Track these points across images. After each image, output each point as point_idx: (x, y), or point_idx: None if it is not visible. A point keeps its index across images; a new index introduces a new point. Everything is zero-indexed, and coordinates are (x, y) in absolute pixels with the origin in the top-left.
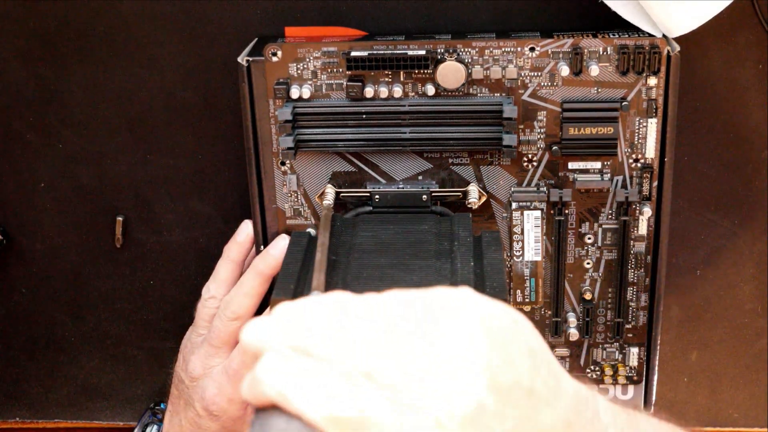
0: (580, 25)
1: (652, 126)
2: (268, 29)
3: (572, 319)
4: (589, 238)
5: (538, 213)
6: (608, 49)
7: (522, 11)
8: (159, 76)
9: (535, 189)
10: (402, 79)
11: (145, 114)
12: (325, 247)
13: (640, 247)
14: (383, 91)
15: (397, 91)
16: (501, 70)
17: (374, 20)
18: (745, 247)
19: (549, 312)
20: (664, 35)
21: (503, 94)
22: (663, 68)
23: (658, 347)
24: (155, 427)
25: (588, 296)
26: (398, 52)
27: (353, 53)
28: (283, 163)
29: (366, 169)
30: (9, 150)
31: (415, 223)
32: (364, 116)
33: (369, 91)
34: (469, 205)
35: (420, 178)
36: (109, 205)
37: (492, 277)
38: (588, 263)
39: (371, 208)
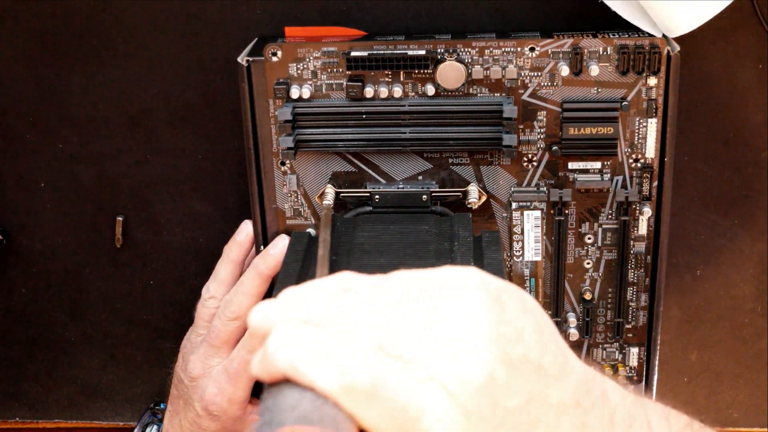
0: (580, 25)
1: (652, 126)
2: (268, 29)
3: (572, 319)
4: (589, 238)
5: (538, 213)
6: (608, 49)
7: (522, 11)
8: (159, 76)
9: (535, 189)
10: (402, 79)
11: (145, 114)
12: (328, 243)
13: (640, 247)
14: (383, 91)
15: (397, 91)
16: (501, 70)
17: (374, 20)
18: (745, 247)
19: (549, 312)
20: (664, 35)
21: (503, 94)
22: (663, 68)
23: (658, 347)
24: (155, 427)
25: (588, 296)
26: (398, 52)
27: (353, 53)
28: (283, 163)
29: (366, 169)
30: (9, 150)
31: (415, 223)
32: (364, 116)
33: (369, 91)
34: (469, 205)
35: (420, 178)
36: (109, 205)
37: None
38: (588, 263)
39: (371, 208)
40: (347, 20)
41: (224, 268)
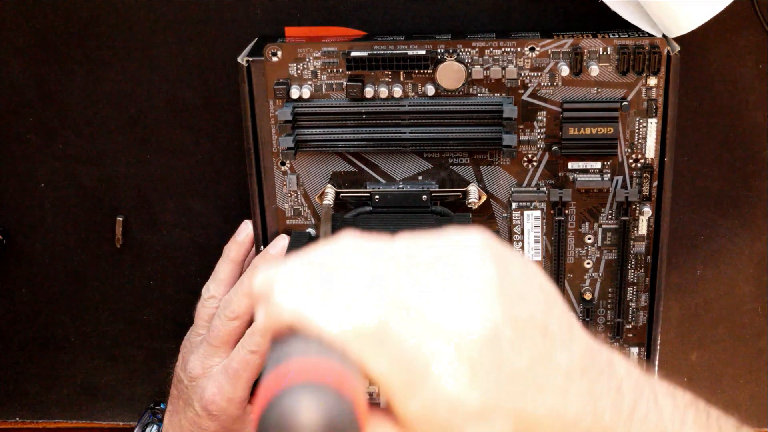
0: (580, 25)
1: (652, 126)
2: (268, 29)
3: None
4: (589, 238)
5: (538, 213)
6: (608, 49)
7: (522, 11)
8: (159, 76)
9: (535, 189)
10: (402, 79)
11: (145, 114)
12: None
13: (640, 247)
14: (383, 91)
15: (397, 91)
16: (501, 70)
17: (374, 20)
18: (745, 247)
19: None
20: (664, 35)
21: (503, 94)
22: (663, 68)
23: (658, 347)
24: (155, 427)
25: (588, 296)
26: (398, 52)
27: (353, 53)
28: (283, 163)
29: (366, 169)
30: (9, 150)
31: (415, 223)
32: (364, 116)
33: (369, 91)
34: (469, 205)
35: (420, 178)
36: (109, 205)
37: None
38: (588, 263)
39: (371, 208)
40: (347, 20)
41: (224, 268)
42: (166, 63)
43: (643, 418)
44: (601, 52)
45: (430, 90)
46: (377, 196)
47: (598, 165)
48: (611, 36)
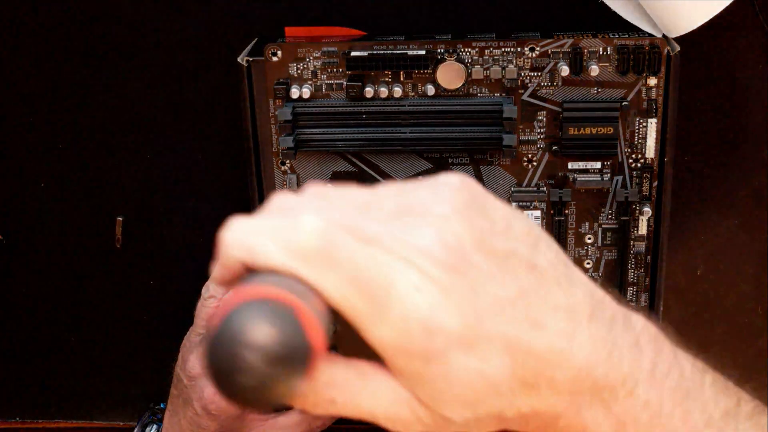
0: (580, 25)
1: (652, 126)
2: (268, 29)
3: None
4: (589, 238)
5: (538, 213)
6: (608, 49)
7: (522, 11)
8: (159, 76)
9: (535, 189)
10: (402, 79)
11: (145, 114)
12: None
13: (640, 247)
14: (383, 91)
15: (397, 91)
16: (501, 70)
17: (374, 20)
18: (745, 247)
19: None
20: (664, 35)
21: (503, 94)
22: (663, 68)
23: None
24: (155, 427)
25: None
26: (398, 52)
27: (353, 53)
28: (283, 163)
29: (366, 169)
30: (9, 150)
31: None
32: (364, 116)
33: (369, 91)
34: None
35: (420, 178)
36: (109, 205)
37: None
38: (588, 263)
39: None
40: (347, 20)
41: None
42: (166, 63)
43: (665, 373)
44: (601, 52)
45: (430, 90)
46: None
47: (598, 165)
48: (611, 36)
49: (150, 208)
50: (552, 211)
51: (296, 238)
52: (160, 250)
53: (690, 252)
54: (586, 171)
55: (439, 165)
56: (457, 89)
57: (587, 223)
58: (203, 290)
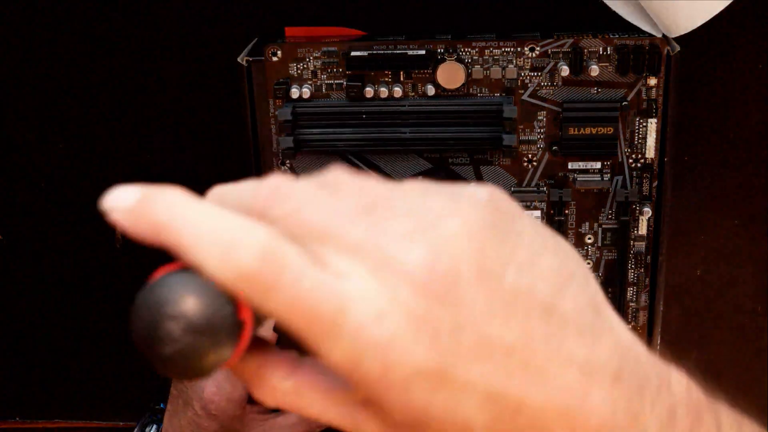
0: (580, 25)
1: (652, 126)
2: (268, 29)
3: None
4: (589, 238)
5: (538, 213)
6: (608, 49)
7: (522, 11)
8: (159, 76)
9: (535, 189)
10: (402, 79)
11: (145, 114)
12: None
13: (640, 247)
14: (383, 91)
15: (397, 91)
16: (501, 70)
17: (374, 20)
18: (745, 247)
19: None
20: (664, 35)
21: (503, 94)
22: (663, 68)
23: (658, 347)
24: (155, 426)
25: None
26: (398, 52)
27: (353, 53)
28: (283, 163)
29: (366, 169)
30: (9, 150)
31: None
32: (364, 116)
33: (369, 91)
34: None
35: (420, 178)
36: None
37: None
38: (588, 263)
39: None
40: (347, 20)
41: None
42: (166, 63)
43: None
44: (601, 52)
45: (430, 90)
46: None
47: (598, 165)
48: (611, 36)
49: None
50: (552, 211)
51: (235, 254)
52: (160, 251)
53: (690, 252)
54: (586, 171)
55: (439, 165)
56: (457, 89)
57: (587, 223)
58: None
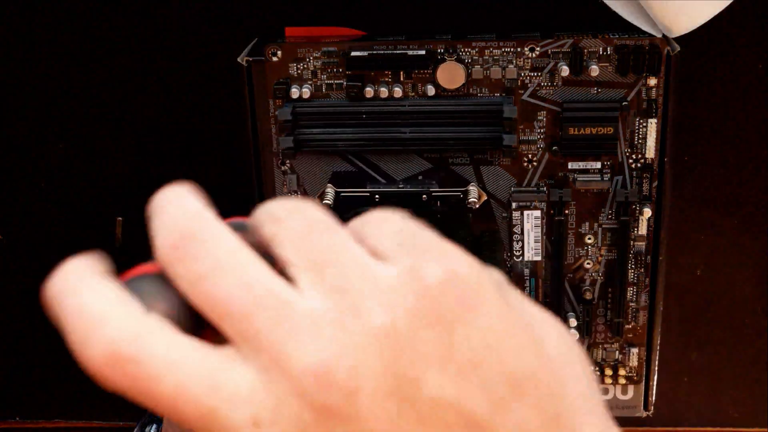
0: (580, 25)
1: (652, 126)
2: (268, 29)
3: (572, 319)
4: (589, 238)
5: (538, 213)
6: (608, 49)
7: (522, 11)
8: (159, 76)
9: (535, 189)
10: (402, 79)
11: (144, 114)
12: None
13: (640, 247)
14: (383, 91)
15: (397, 91)
16: (501, 70)
17: (374, 20)
18: (745, 247)
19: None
20: (664, 35)
21: (503, 94)
22: (663, 68)
23: (658, 347)
24: (154, 426)
25: (588, 296)
26: (398, 52)
27: (353, 53)
28: (283, 163)
29: (366, 169)
30: (9, 150)
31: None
32: (364, 116)
33: (369, 91)
34: (469, 205)
35: (420, 178)
36: (109, 205)
37: None
38: (588, 263)
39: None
40: (347, 20)
41: None
42: (166, 63)
43: None
44: (601, 52)
45: (430, 90)
46: (377, 196)
47: (598, 165)
48: (611, 36)
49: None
50: (552, 211)
51: (100, 334)
52: None
53: (690, 252)
54: (586, 171)
55: (439, 165)
56: (457, 89)
57: (587, 223)
58: None
